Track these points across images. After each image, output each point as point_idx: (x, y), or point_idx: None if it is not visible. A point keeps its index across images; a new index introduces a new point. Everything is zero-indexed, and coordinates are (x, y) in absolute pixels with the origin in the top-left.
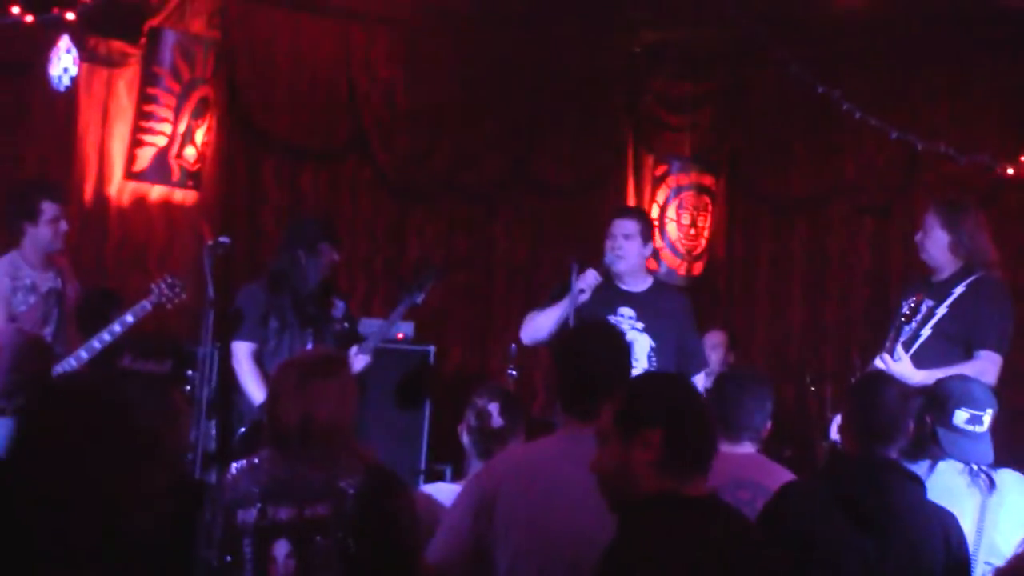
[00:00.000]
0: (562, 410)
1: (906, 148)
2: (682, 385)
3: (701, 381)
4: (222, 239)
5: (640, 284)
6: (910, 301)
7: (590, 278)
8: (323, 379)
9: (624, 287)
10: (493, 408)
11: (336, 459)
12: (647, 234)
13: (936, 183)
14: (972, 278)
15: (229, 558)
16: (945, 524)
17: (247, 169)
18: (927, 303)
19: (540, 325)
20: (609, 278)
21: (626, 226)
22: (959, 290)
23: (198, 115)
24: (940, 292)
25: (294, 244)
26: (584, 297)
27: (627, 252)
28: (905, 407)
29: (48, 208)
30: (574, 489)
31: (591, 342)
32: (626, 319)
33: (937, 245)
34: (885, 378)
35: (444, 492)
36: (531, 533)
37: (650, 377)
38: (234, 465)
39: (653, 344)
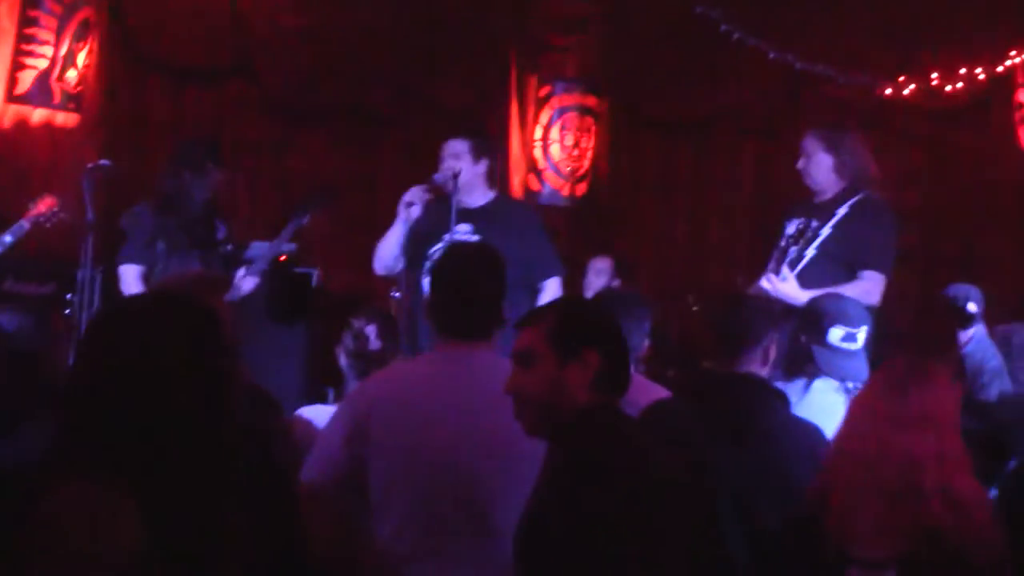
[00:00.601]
0: (437, 331)
1: (789, 70)
2: (605, 306)
3: (554, 288)
4: (103, 161)
5: (479, 199)
6: (797, 223)
7: (414, 194)
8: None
9: (462, 205)
10: (371, 330)
11: None
12: (478, 152)
13: (819, 105)
14: (855, 199)
15: None
16: (811, 438)
17: (131, 91)
18: (812, 224)
19: (382, 253)
20: (447, 198)
21: (454, 147)
22: (843, 211)
23: (80, 37)
24: (824, 213)
25: (180, 165)
26: (415, 212)
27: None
28: (762, 323)
29: None
30: (449, 411)
31: (466, 264)
32: (462, 235)
33: (820, 168)
34: (741, 296)
35: (323, 415)
36: (404, 456)
37: (578, 300)
38: None
39: None
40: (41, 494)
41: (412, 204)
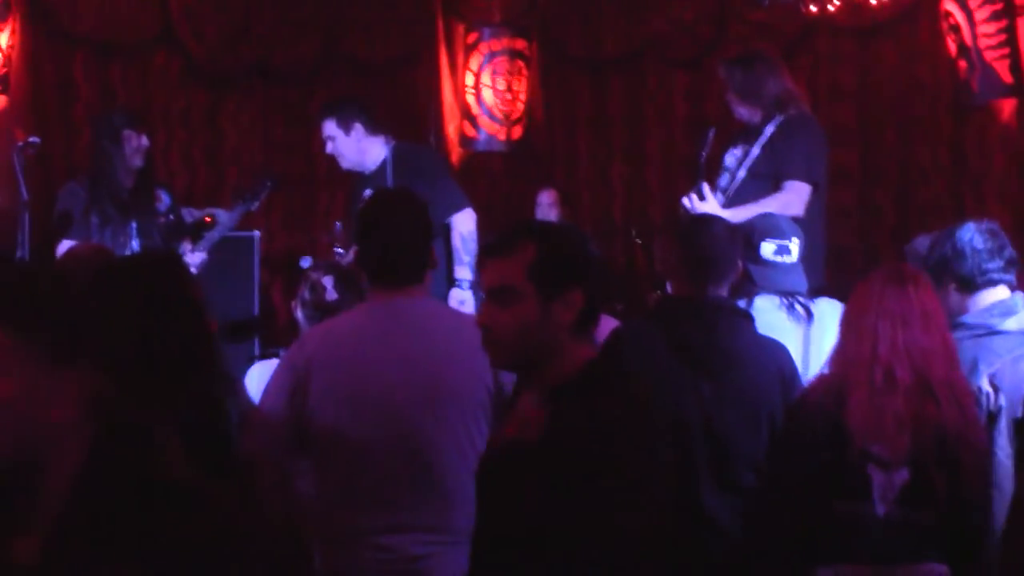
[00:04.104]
0: (368, 280)
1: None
2: (585, 238)
3: (464, 220)
4: (32, 139)
5: (372, 164)
6: (735, 152)
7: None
8: None
9: (360, 171)
10: (327, 281)
11: None
12: (345, 122)
13: (746, 33)
14: (781, 117)
15: None
16: (777, 358)
17: (55, 68)
18: (742, 148)
19: None
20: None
21: (325, 129)
22: (769, 129)
23: (1, 18)
24: (751, 135)
25: (99, 137)
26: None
27: (340, 151)
28: (732, 243)
29: None
30: (385, 361)
31: (386, 210)
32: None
33: (735, 99)
34: (708, 217)
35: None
36: (344, 408)
37: (555, 229)
38: None
39: None
40: None
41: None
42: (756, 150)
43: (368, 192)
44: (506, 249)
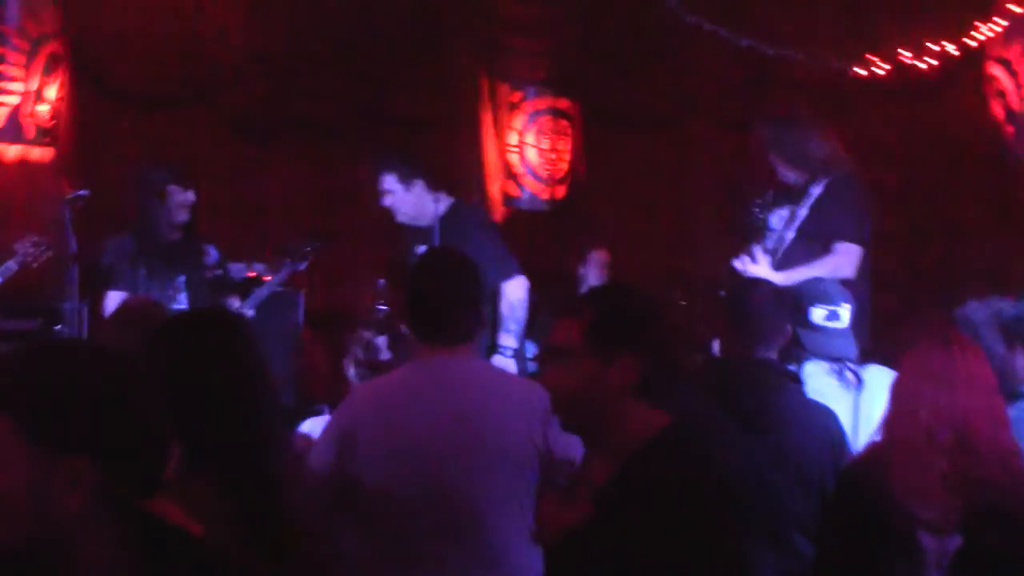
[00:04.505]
0: (416, 339)
1: (757, 59)
2: (651, 304)
3: (515, 288)
4: (81, 191)
5: (427, 218)
6: (780, 213)
7: None
8: None
9: (414, 225)
10: (381, 341)
11: None
12: (406, 178)
13: (788, 92)
14: (828, 178)
15: None
16: (827, 423)
17: (101, 121)
18: (787, 207)
19: None
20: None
21: (384, 183)
22: (816, 190)
23: (49, 71)
24: (796, 195)
25: (143, 192)
26: None
27: (397, 206)
28: (779, 306)
29: None
30: (432, 420)
31: (436, 271)
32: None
33: (779, 160)
34: (756, 280)
35: (320, 427)
36: (390, 467)
37: (622, 292)
38: None
39: None
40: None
41: None
42: (804, 211)
43: (421, 248)
44: (571, 310)
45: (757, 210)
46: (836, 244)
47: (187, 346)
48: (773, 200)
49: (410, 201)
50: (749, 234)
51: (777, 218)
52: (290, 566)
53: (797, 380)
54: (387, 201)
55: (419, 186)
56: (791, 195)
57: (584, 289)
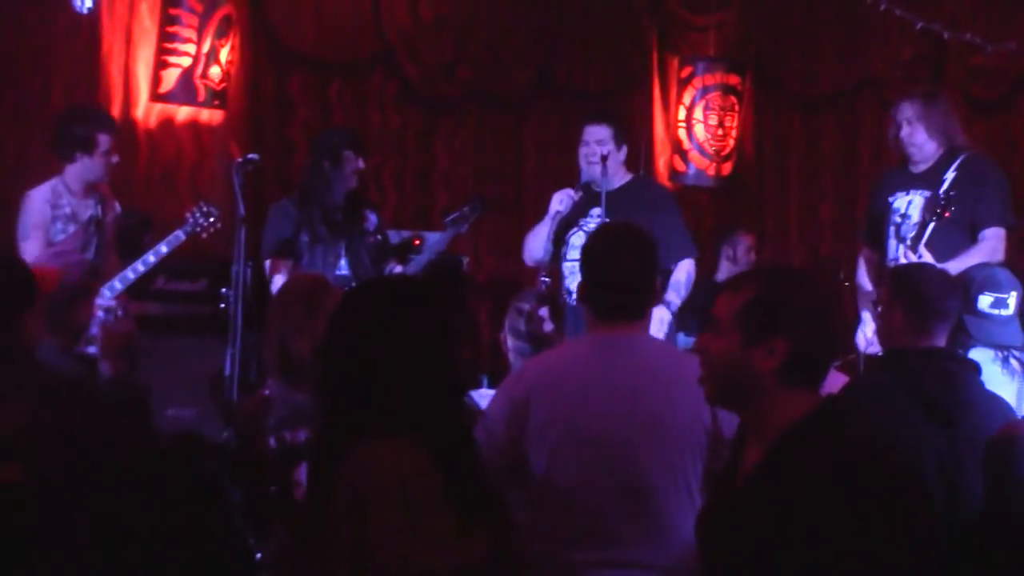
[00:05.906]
0: (591, 314)
1: (933, 40)
2: (814, 289)
3: (686, 269)
4: (251, 156)
5: (616, 183)
6: (905, 196)
7: (560, 202)
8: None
9: (598, 188)
10: (544, 313)
11: None
12: (620, 137)
13: (963, 75)
14: (959, 160)
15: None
16: (1004, 411)
17: (274, 86)
18: (922, 194)
19: (531, 246)
20: (588, 185)
21: (597, 132)
22: (951, 174)
23: (221, 34)
24: (931, 180)
25: (318, 155)
26: (565, 210)
27: (599, 157)
28: (955, 293)
29: (104, 140)
30: (606, 393)
31: (613, 245)
32: (594, 218)
33: (924, 136)
34: (933, 267)
35: (482, 400)
36: (563, 439)
37: (782, 275)
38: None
39: None
40: (345, 454)
41: (559, 212)
42: (942, 196)
43: (599, 209)
44: (734, 285)
45: (891, 199)
46: (986, 230)
47: (391, 310)
48: (902, 185)
49: (614, 161)
50: (893, 229)
51: (910, 203)
52: (494, 522)
53: (976, 369)
54: (594, 149)
55: (625, 150)
56: (915, 178)
57: (724, 272)
